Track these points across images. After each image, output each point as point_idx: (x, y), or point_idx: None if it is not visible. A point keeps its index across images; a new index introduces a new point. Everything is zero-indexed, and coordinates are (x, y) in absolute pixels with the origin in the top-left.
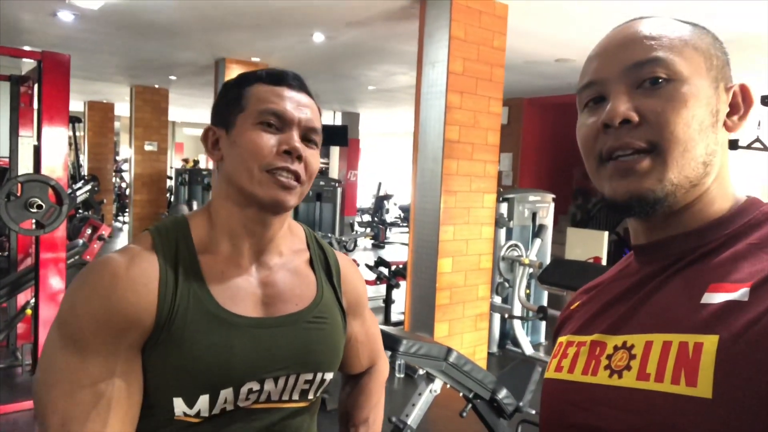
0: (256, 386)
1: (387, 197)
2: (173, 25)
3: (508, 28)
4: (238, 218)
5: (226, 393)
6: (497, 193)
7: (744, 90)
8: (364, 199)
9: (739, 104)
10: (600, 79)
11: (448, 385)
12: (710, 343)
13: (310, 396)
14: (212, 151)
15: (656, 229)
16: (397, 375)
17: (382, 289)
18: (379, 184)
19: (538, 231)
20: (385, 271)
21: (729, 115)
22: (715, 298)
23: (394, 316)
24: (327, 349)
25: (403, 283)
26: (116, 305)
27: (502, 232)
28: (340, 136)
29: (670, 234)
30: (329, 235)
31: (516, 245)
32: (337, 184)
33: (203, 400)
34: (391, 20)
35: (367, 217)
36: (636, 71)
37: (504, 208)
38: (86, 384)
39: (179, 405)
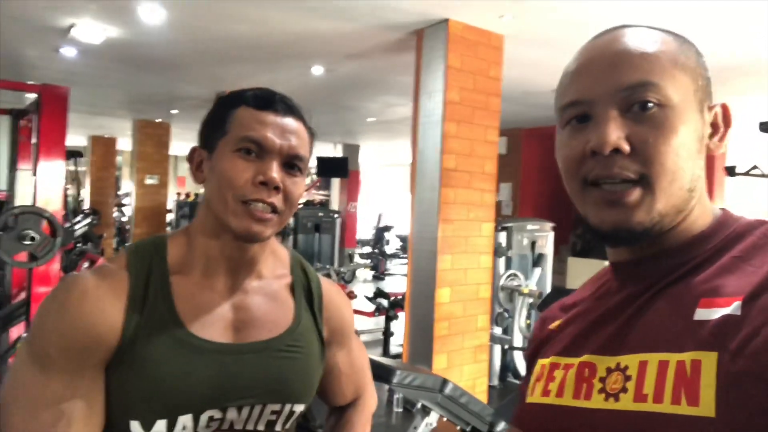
0: (217, 414)
1: (387, 229)
2: (174, 59)
3: (504, 58)
4: (215, 243)
5: (185, 420)
6: (495, 222)
7: (725, 110)
8: (365, 230)
9: (719, 125)
10: (587, 99)
11: (445, 418)
12: (709, 360)
13: (278, 427)
14: (196, 173)
15: (639, 248)
16: (396, 409)
17: (381, 321)
18: (380, 215)
19: (537, 260)
20: (383, 302)
21: (710, 136)
22: (708, 314)
23: (393, 349)
24: (298, 379)
25: (402, 315)
26: (82, 323)
27: (501, 261)
28: (341, 168)
29: (650, 252)
30: (327, 266)
31: (515, 274)
32: (336, 216)
33: (160, 425)
34: (389, 52)
35: (367, 249)
36: (626, 95)
37: (503, 237)
38: (49, 402)
39: (136, 428)
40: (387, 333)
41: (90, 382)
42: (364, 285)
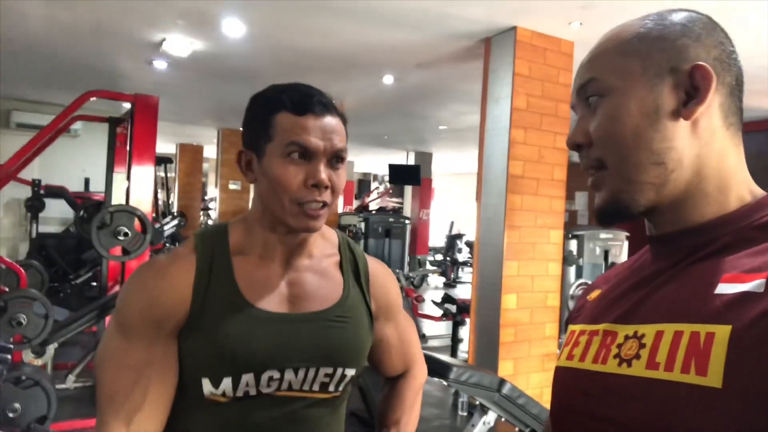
0: (276, 374)
1: (459, 236)
2: (254, 71)
3: (575, 64)
4: (272, 234)
5: (248, 378)
6: (566, 230)
7: (698, 70)
8: (438, 238)
9: (698, 87)
10: (572, 105)
11: (503, 419)
12: (722, 332)
13: (331, 388)
14: (246, 173)
15: (663, 224)
16: (460, 413)
17: (449, 326)
18: (452, 223)
19: (609, 269)
20: (451, 308)
21: (687, 101)
22: (729, 288)
23: (461, 355)
24: (348, 346)
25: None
26: (156, 297)
27: (572, 270)
28: (413, 176)
29: (681, 226)
30: (397, 271)
31: (586, 284)
32: (406, 222)
33: (227, 382)
34: (458, 61)
35: (439, 256)
36: (582, 95)
37: (573, 245)
38: (131, 364)
39: (206, 385)
40: (455, 338)
41: (164, 348)
42: (435, 291)
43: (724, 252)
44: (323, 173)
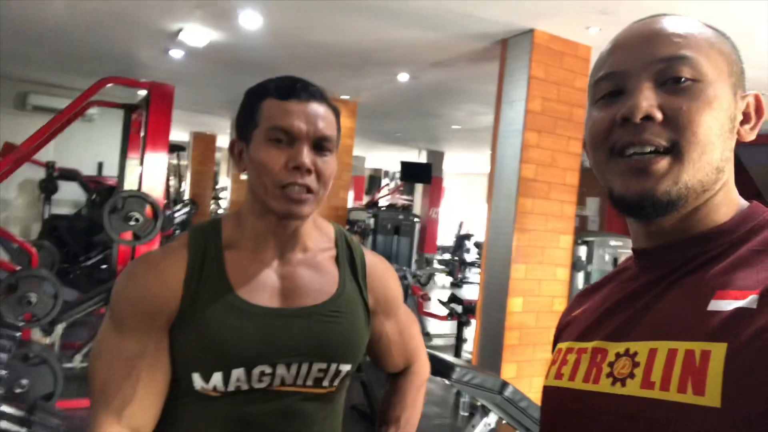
0: (267, 369)
1: (468, 236)
2: (269, 63)
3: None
4: (262, 222)
5: (238, 373)
6: (575, 235)
7: (758, 101)
8: (446, 237)
9: (752, 114)
10: (620, 71)
11: (504, 421)
12: (718, 351)
13: (325, 383)
14: (238, 163)
15: (659, 234)
16: (461, 413)
17: (454, 326)
18: (461, 223)
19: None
20: (457, 307)
21: (741, 123)
22: (723, 305)
23: (465, 355)
24: (341, 341)
25: (474, 321)
26: (148, 292)
27: (581, 275)
28: (424, 174)
29: (672, 239)
30: (404, 268)
31: None
32: (416, 220)
33: (217, 377)
34: (473, 61)
35: (447, 255)
36: (661, 67)
37: (583, 251)
38: (123, 357)
39: (197, 379)
40: (459, 338)
41: (156, 341)
42: (441, 290)
43: (712, 264)
44: (306, 157)
